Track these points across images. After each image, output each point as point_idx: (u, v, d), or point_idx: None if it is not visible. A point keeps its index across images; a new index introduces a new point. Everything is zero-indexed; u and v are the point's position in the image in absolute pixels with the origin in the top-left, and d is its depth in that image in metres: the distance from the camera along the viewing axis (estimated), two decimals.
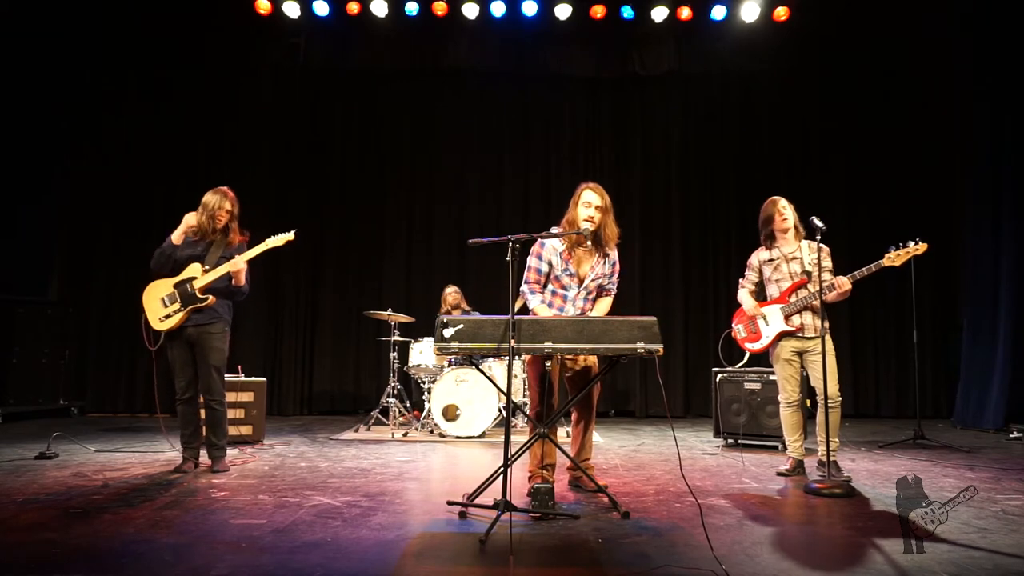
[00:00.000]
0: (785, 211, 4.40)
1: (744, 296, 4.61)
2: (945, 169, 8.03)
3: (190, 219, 4.43)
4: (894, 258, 4.20)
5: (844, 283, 4.20)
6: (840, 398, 4.26)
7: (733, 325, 4.78)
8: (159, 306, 4.34)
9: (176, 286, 4.35)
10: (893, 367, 8.24)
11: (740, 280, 4.68)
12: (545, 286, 3.88)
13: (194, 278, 4.35)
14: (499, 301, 7.05)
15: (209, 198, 4.47)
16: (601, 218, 3.79)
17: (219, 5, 8.04)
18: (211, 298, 4.35)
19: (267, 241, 4.52)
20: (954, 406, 7.42)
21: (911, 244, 4.18)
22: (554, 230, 3.84)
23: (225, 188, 4.54)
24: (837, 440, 4.27)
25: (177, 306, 4.31)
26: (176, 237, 4.41)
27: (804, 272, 4.33)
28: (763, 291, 4.60)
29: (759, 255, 4.57)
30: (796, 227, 4.41)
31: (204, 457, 4.49)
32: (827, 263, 4.34)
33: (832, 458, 4.10)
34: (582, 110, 8.75)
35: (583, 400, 3.79)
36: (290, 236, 4.57)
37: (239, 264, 4.36)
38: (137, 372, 8.08)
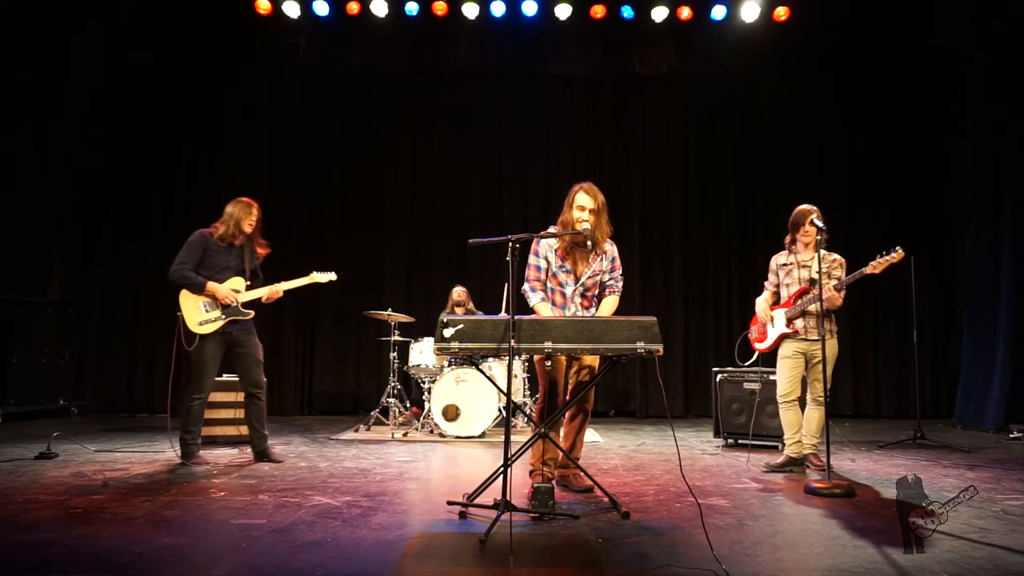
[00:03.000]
0: (813, 228, 4.39)
1: (759, 301, 4.77)
2: (946, 168, 8.03)
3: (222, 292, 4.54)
4: (876, 266, 4.26)
5: (828, 290, 4.27)
6: (826, 398, 4.27)
7: (749, 327, 4.94)
8: (198, 311, 4.48)
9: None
10: (893, 367, 8.25)
11: (764, 283, 4.81)
12: (545, 284, 3.89)
13: (238, 291, 4.55)
14: (499, 301, 7.05)
15: (232, 209, 4.64)
16: (594, 221, 3.81)
17: (219, 5, 8.04)
18: (252, 312, 4.60)
19: (312, 275, 4.83)
20: (954, 406, 7.43)
21: (891, 253, 4.22)
22: (551, 230, 3.86)
23: (248, 199, 4.71)
24: (817, 438, 4.41)
25: (218, 314, 4.49)
26: (209, 287, 4.49)
27: (810, 280, 4.45)
28: (779, 294, 4.73)
29: (777, 259, 4.71)
30: (822, 242, 4.43)
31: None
32: (837, 273, 4.46)
33: (810, 452, 4.43)
34: (582, 110, 8.75)
35: (582, 399, 3.81)
36: (333, 277, 4.93)
37: (279, 291, 4.68)
38: (137, 372, 8.08)
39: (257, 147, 8.43)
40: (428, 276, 8.46)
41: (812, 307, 4.35)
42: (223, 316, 4.51)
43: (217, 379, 5.64)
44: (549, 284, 3.89)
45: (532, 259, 3.91)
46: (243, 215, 4.61)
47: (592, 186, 3.87)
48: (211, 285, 4.48)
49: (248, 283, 4.66)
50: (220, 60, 8.22)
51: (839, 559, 2.59)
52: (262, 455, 4.70)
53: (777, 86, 8.55)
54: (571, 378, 3.86)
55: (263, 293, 4.67)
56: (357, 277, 8.50)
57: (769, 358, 4.88)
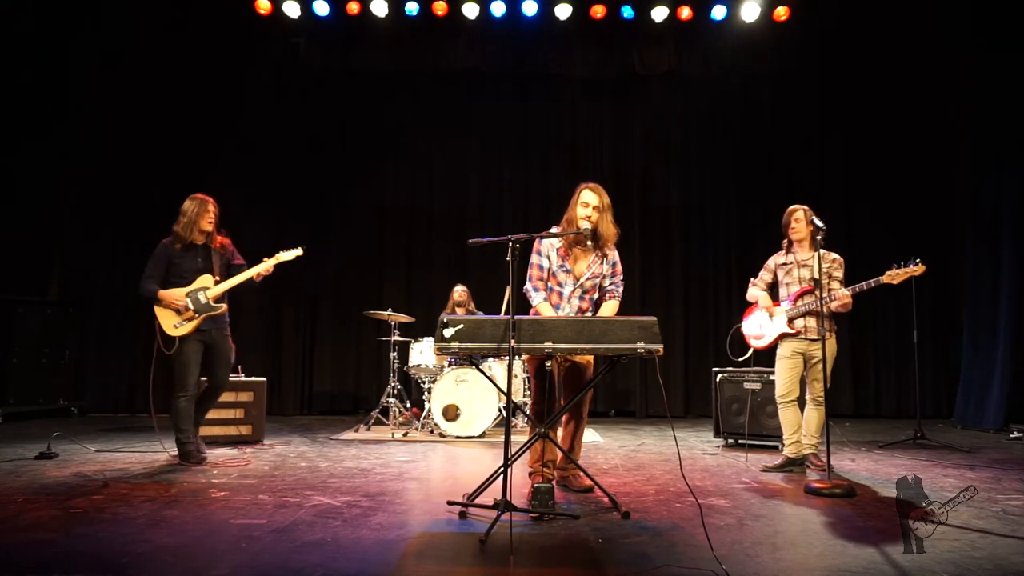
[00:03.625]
0: (798, 224, 4.52)
1: (756, 292, 4.74)
2: (946, 169, 8.03)
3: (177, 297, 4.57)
4: (893, 276, 4.32)
5: (844, 294, 4.32)
6: (822, 395, 4.32)
7: (742, 321, 4.94)
8: (172, 315, 4.54)
9: (188, 295, 4.57)
10: (893, 367, 8.24)
11: (752, 279, 4.80)
12: (546, 283, 3.88)
13: (206, 288, 4.60)
14: (499, 301, 7.05)
15: (188, 206, 4.66)
16: (598, 218, 3.80)
17: (219, 5, 8.03)
18: (224, 306, 4.67)
19: (278, 255, 4.81)
20: (954, 406, 7.43)
21: (911, 265, 4.29)
22: (554, 229, 3.85)
23: (203, 196, 4.72)
24: (817, 438, 4.44)
25: (191, 314, 4.53)
26: (160, 295, 4.54)
27: (812, 279, 4.43)
28: (775, 293, 4.73)
29: (776, 258, 4.72)
30: (812, 237, 4.45)
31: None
32: (838, 273, 4.48)
33: (809, 452, 4.44)
34: (582, 110, 8.75)
35: (578, 403, 3.78)
36: (299, 252, 4.88)
37: (268, 268, 4.75)
38: (137, 372, 8.07)
39: (257, 146, 8.41)
40: (428, 276, 8.46)
41: (818, 308, 4.32)
42: (196, 315, 4.57)
43: None
44: (549, 283, 3.88)
45: (534, 258, 3.90)
46: (200, 213, 4.63)
47: (598, 186, 3.86)
48: (161, 293, 4.54)
49: (217, 278, 4.68)
50: (220, 60, 8.20)
51: (839, 559, 2.59)
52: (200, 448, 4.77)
53: (777, 86, 8.55)
54: (566, 378, 3.83)
55: (239, 280, 4.70)
56: (357, 277, 8.52)
57: (765, 357, 4.87)
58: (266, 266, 4.78)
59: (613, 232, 3.87)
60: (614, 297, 3.93)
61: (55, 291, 7.99)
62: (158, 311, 4.55)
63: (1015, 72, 6.89)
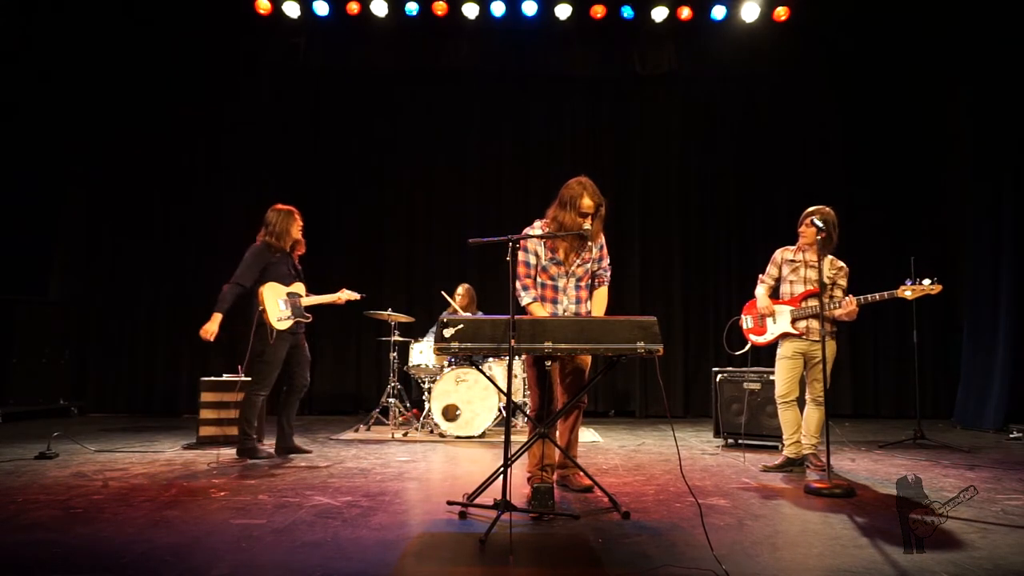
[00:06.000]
0: (808, 228, 4.48)
1: (760, 293, 4.72)
2: (946, 169, 8.02)
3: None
4: (908, 291, 4.31)
5: (851, 303, 4.31)
6: (822, 396, 4.33)
7: (742, 315, 4.93)
8: (278, 307, 4.81)
9: (289, 296, 4.88)
10: (893, 367, 8.23)
11: (760, 275, 4.77)
12: (535, 279, 3.87)
13: (300, 295, 4.94)
14: (499, 301, 7.05)
15: (276, 219, 4.90)
16: (595, 223, 3.81)
17: (219, 5, 8.03)
18: (311, 316, 5.05)
19: (349, 293, 5.32)
20: (954, 406, 7.42)
21: (927, 282, 4.29)
22: (537, 224, 3.87)
23: (288, 206, 4.99)
24: (817, 438, 4.44)
25: (290, 313, 4.88)
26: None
27: (819, 282, 4.39)
28: (778, 288, 4.70)
29: (784, 253, 4.68)
30: (822, 243, 4.42)
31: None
32: (842, 282, 4.47)
33: (809, 452, 4.43)
34: (582, 110, 8.74)
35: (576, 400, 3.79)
36: (358, 297, 5.42)
37: (340, 299, 5.25)
38: (137, 372, 8.08)
39: (257, 147, 8.41)
40: (428, 276, 8.45)
41: (825, 312, 4.28)
42: (293, 316, 4.86)
43: (217, 379, 5.70)
44: (539, 279, 3.86)
45: (521, 255, 3.85)
46: (291, 222, 4.94)
47: (593, 186, 3.84)
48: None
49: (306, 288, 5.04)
50: (220, 60, 8.21)
51: (839, 559, 2.59)
52: (291, 450, 5.00)
53: (777, 86, 8.54)
54: (564, 377, 3.83)
55: (324, 300, 5.10)
56: (357, 277, 8.50)
57: (765, 356, 4.87)
58: (342, 296, 5.23)
59: (600, 230, 3.90)
60: (603, 283, 3.96)
61: (55, 291, 7.99)
62: (268, 300, 4.75)
63: (1014, 72, 6.89)
